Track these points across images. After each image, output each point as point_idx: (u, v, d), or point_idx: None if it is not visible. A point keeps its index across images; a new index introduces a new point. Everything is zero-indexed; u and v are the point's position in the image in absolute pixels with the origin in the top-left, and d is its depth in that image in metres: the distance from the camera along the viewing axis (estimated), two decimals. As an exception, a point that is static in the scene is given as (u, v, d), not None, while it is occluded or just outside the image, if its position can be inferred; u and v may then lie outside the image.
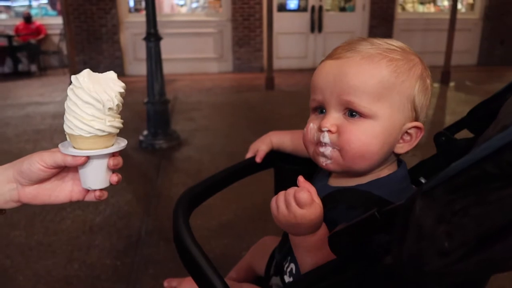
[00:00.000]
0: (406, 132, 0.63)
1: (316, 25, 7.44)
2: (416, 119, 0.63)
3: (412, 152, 0.67)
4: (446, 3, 8.26)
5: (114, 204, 2.49)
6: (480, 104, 0.71)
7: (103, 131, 0.57)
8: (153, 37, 3.44)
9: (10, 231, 2.21)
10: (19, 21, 7.44)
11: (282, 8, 7.47)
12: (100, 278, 1.83)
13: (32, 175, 0.60)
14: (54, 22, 7.57)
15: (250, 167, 0.90)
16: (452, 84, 6.10)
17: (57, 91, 5.87)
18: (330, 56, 0.65)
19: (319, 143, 0.63)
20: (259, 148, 0.89)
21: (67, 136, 0.61)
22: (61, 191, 0.64)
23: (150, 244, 2.09)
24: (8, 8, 8.24)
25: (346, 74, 0.61)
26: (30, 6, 8.09)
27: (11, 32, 7.22)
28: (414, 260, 0.35)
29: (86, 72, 0.58)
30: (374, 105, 0.60)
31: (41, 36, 7.45)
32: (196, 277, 0.64)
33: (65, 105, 0.59)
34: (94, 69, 0.58)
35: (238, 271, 1.00)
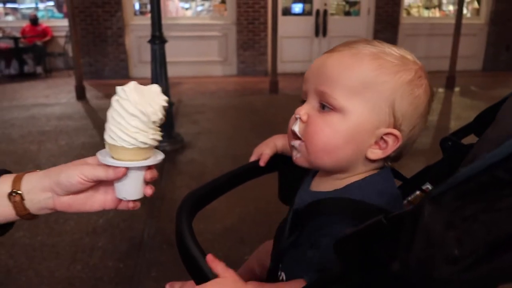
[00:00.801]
0: (382, 138, 0.60)
1: (321, 29, 7.45)
2: (396, 127, 0.59)
3: (389, 162, 0.64)
4: (451, 8, 8.25)
5: (117, 206, 2.50)
6: (487, 109, 0.70)
7: (146, 143, 0.58)
8: (158, 39, 3.45)
9: (14, 231, 2.20)
10: (25, 23, 7.50)
11: (287, 12, 7.48)
12: (103, 280, 1.83)
13: (70, 188, 0.61)
14: (60, 24, 7.63)
15: (254, 170, 0.90)
16: (457, 89, 6.08)
17: (62, 92, 5.90)
18: (327, 51, 0.65)
19: (292, 134, 0.63)
20: (263, 151, 0.88)
21: (106, 146, 0.60)
22: (95, 200, 0.65)
23: (153, 247, 2.09)
24: (14, 10, 8.31)
25: (327, 65, 0.61)
26: (36, 8, 8.16)
27: (17, 34, 7.27)
28: (422, 266, 0.34)
29: (133, 84, 0.58)
30: (347, 99, 0.58)
31: (47, 38, 7.50)
32: (198, 280, 0.64)
33: (109, 115, 0.58)
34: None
35: (241, 275, 0.99)
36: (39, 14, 7.86)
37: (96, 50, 6.98)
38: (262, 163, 0.88)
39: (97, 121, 4.49)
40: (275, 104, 5.40)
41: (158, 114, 0.58)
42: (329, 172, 0.65)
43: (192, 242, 0.65)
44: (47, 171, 0.62)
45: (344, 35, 7.37)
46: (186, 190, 0.78)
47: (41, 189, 0.61)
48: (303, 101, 0.65)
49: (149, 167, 0.62)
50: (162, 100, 0.59)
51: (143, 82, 0.64)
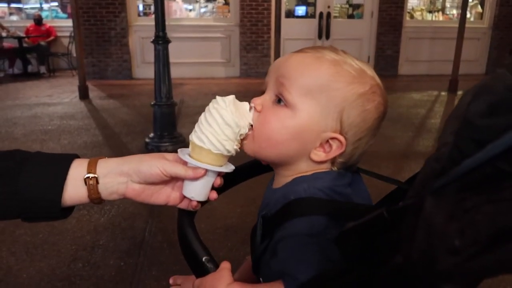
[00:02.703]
0: (328, 142, 0.61)
1: (324, 31, 7.45)
2: (341, 134, 0.61)
3: (336, 168, 0.64)
4: (455, 12, 8.25)
5: (119, 205, 2.50)
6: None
7: (229, 151, 0.63)
8: (161, 39, 3.46)
9: (16, 229, 2.22)
10: (29, 23, 7.54)
11: (290, 14, 7.49)
12: (104, 278, 1.83)
13: (149, 177, 0.63)
14: (64, 24, 7.66)
15: (255, 168, 0.89)
16: (460, 92, 6.07)
17: (66, 92, 5.92)
18: (295, 51, 0.67)
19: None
20: None
21: (190, 146, 0.64)
22: (162, 193, 0.67)
23: (154, 246, 2.09)
24: (19, 10, 8.35)
25: (291, 61, 0.63)
26: (41, 9, 8.20)
27: (21, 34, 7.31)
28: (424, 258, 0.34)
29: (232, 97, 0.65)
30: (300, 97, 0.61)
31: (51, 38, 7.54)
32: (200, 275, 0.64)
33: (202, 119, 0.63)
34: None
35: (241, 272, 0.99)
36: (43, 14, 7.90)
37: (100, 51, 7.00)
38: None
39: (100, 120, 4.50)
40: (277, 105, 5.40)
41: (246, 129, 0.63)
42: (273, 165, 0.67)
43: (194, 236, 0.65)
44: (126, 158, 0.65)
45: (347, 37, 7.38)
46: (188, 190, 0.78)
47: (119, 174, 0.63)
48: (262, 92, 0.67)
49: (219, 174, 0.66)
50: (250, 118, 0.65)
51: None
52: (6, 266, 1.92)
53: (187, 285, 0.88)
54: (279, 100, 0.62)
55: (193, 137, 0.63)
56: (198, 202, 0.66)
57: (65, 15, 8.24)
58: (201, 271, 0.64)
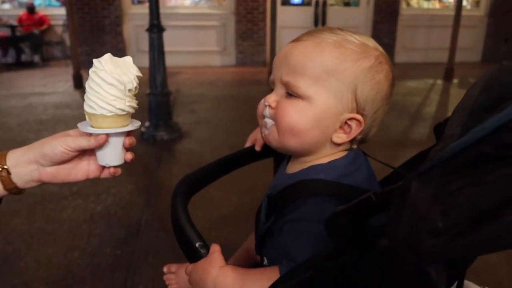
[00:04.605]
0: (346, 123, 0.62)
1: (320, 19, 7.41)
2: (358, 112, 0.62)
3: (356, 145, 0.66)
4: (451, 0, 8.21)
5: (115, 194, 2.51)
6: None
7: (123, 110, 0.62)
8: (156, 28, 3.43)
9: (12, 218, 2.23)
10: (22, 11, 7.42)
11: (286, 2, 7.42)
12: (100, 267, 1.84)
13: (55, 158, 0.64)
14: (57, 12, 7.55)
15: (249, 155, 0.90)
16: (455, 81, 6.08)
17: (60, 81, 5.88)
18: (292, 40, 0.67)
19: (263, 117, 0.66)
20: (257, 137, 0.89)
21: (86, 117, 0.65)
22: (79, 169, 0.68)
23: (150, 234, 2.11)
24: (11, -2, 8.22)
25: (291, 55, 0.63)
26: (33, -3, 8.07)
27: (14, 22, 7.21)
28: (409, 240, 0.35)
29: (108, 56, 0.63)
30: (310, 87, 0.61)
31: (44, 26, 7.44)
32: (193, 260, 0.65)
33: (87, 86, 0.63)
34: None
35: (237, 258, 1.00)
36: (36, 2, 7.77)
37: (94, 39, 6.93)
38: (258, 148, 0.88)
39: (95, 110, 4.47)
40: (273, 94, 5.39)
41: (133, 83, 0.63)
42: (297, 155, 0.67)
43: (187, 222, 0.66)
44: (31, 145, 0.66)
45: (343, 25, 7.24)
46: (183, 180, 0.78)
47: (27, 162, 0.64)
48: (271, 90, 0.67)
49: (128, 134, 0.67)
50: (136, 70, 0.64)
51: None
52: (3, 255, 1.92)
53: (181, 273, 0.89)
54: (290, 94, 0.63)
55: (85, 107, 0.64)
56: (115, 167, 0.68)
57: (58, 3, 8.11)
58: (194, 256, 0.65)
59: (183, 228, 0.66)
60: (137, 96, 0.67)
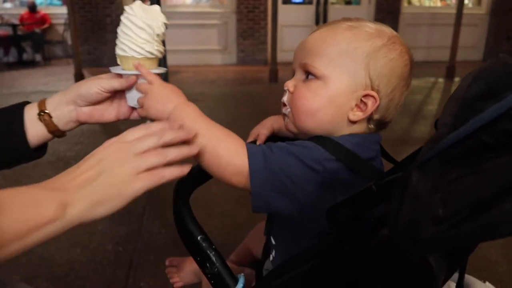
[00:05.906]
0: (362, 101, 0.63)
1: (321, 18, 7.39)
2: (373, 89, 0.63)
3: (373, 125, 0.66)
4: (452, -2, 8.19)
5: (116, 191, 2.51)
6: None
7: (152, 53, 0.68)
8: (157, 26, 3.44)
9: (14, 216, 2.23)
10: (24, 10, 7.44)
11: (287, 0, 7.42)
12: (102, 263, 1.85)
13: (90, 98, 0.71)
14: (58, 11, 7.56)
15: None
16: (457, 79, 6.07)
17: (61, 80, 5.89)
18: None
19: (283, 105, 0.69)
20: (260, 132, 0.89)
21: (118, 60, 0.70)
22: (111, 110, 0.75)
23: (152, 231, 2.11)
24: (13, -3, 8.23)
25: (308, 41, 0.68)
26: (35, -5, 8.08)
27: (15, 21, 7.22)
28: (409, 229, 0.35)
29: (139, 2, 0.68)
30: (325, 67, 0.63)
31: (46, 25, 7.45)
32: (195, 255, 0.65)
33: (119, 31, 0.68)
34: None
35: (238, 254, 1.01)
36: (38, 1, 7.78)
37: (95, 38, 6.94)
38: (259, 143, 0.88)
39: (96, 108, 4.48)
40: (274, 93, 5.40)
41: (161, 28, 0.68)
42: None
43: (189, 216, 0.67)
44: (67, 90, 0.73)
45: (344, 24, 7.32)
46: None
47: (65, 103, 0.72)
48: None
49: None
50: (163, 17, 0.69)
51: None
52: (5, 252, 1.93)
53: (183, 266, 0.90)
54: (308, 75, 0.65)
55: (117, 50, 0.68)
56: None
57: (59, 2, 8.12)
58: (196, 250, 0.65)
59: (185, 222, 0.67)
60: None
